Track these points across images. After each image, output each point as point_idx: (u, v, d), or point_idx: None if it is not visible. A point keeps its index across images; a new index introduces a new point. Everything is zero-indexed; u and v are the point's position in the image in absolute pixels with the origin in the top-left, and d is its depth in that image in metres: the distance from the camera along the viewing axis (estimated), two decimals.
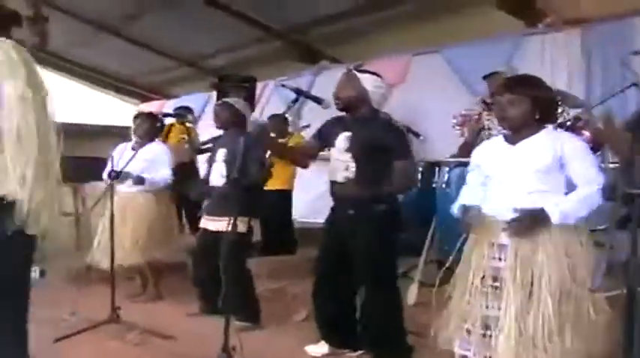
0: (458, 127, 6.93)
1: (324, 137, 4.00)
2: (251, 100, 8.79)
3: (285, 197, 7.21)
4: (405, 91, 7.64)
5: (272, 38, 9.65)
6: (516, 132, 2.98)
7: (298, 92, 3.80)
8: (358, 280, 3.84)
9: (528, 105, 2.91)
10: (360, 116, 3.82)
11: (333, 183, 3.88)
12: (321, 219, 7.53)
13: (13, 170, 2.18)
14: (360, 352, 4.01)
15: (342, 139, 3.81)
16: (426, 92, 7.37)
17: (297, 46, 9.84)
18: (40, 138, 2.24)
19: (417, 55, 8.02)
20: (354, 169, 3.73)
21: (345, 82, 3.84)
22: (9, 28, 2.43)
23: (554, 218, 2.80)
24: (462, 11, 7.64)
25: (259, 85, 9.98)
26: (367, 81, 3.79)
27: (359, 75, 3.81)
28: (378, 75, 3.90)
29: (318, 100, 3.75)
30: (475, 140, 5.60)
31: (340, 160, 3.80)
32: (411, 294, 5.05)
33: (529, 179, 2.87)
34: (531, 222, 2.82)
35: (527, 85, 2.98)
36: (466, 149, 5.57)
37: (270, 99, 9.80)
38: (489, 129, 5.56)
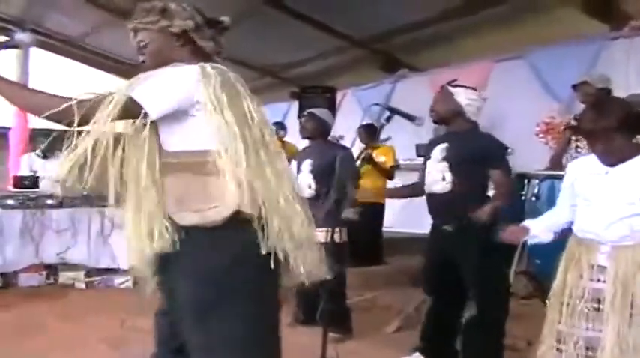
0: (541, 135, 6.88)
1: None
2: (332, 109, 8.94)
3: (377, 210, 7.19)
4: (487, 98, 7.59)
5: (352, 47, 9.69)
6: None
7: (391, 110, 3.88)
8: (464, 294, 3.87)
9: (619, 137, 2.83)
10: (456, 128, 3.92)
11: (430, 195, 3.92)
12: (405, 228, 7.64)
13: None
14: None
15: (439, 150, 3.88)
16: (507, 98, 7.28)
17: (377, 54, 9.87)
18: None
19: (499, 61, 7.98)
20: (451, 180, 3.78)
21: (439, 97, 3.97)
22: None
23: None
24: (544, 15, 7.53)
25: (339, 94, 10.11)
26: (461, 94, 3.88)
27: (452, 89, 3.91)
28: (472, 88, 3.99)
29: (410, 117, 3.81)
30: (564, 151, 5.55)
31: (436, 170, 3.84)
32: None
33: (625, 205, 2.83)
34: None
35: (608, 120, 2.84)
36: (556, 161, 5.52)
37: (349, 108, 9.90)
38: (577, 140, 5.47)
